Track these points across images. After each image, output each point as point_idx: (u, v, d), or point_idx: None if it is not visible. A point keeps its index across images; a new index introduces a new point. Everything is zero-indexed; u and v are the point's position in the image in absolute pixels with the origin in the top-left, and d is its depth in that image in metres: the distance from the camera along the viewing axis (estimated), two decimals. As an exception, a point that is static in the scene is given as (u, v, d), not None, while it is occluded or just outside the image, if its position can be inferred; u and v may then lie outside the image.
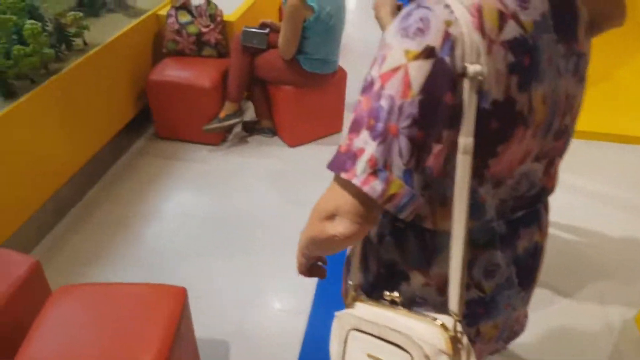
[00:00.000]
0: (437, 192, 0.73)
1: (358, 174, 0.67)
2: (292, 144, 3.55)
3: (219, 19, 3.39)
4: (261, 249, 2.52)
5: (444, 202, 0.73)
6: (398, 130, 0.65)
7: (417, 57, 0.64)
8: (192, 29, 3.30)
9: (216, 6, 3.40)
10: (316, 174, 3.19)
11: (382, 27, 1.30)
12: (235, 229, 2.78)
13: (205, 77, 3.30)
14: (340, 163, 0.70)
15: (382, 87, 0.66)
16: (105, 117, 3.03)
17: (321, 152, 3.27)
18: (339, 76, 3.19)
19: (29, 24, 2.49)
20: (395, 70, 0.65)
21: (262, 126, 3.68)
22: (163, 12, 3.51)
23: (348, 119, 3.61)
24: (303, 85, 3.01)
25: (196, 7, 3.38)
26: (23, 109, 2.35)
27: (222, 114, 3.36)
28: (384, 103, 0.65)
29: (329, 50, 2.95)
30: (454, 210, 0.70)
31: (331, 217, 0.72)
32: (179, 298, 1.81)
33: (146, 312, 1.76)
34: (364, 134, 0.67)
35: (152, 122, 3.50)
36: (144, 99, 3.34)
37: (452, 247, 0.71)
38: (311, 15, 2.67)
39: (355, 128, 0.69)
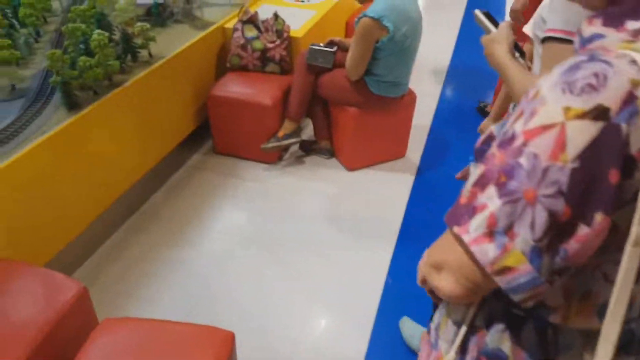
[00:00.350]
0: (577, 283, 0.63)
1: (471, 231, 0.60)
2: (350, 168, 3.37)
3: (285, 34, 3.28)
4: (312, 279, 2.34)
5: (586, 297, 0.63)
6: (536, 197, 0.55)
7: (581, 116, 0.54)
8: (258, 44, 3.21)
9: (284, 22, 3.30)
10: (373, 201, 3.01)
11: (494, 65, 1.16)
12: (287, 254, 2.64)
13: (267, 94, 3.19)
14: (455, 216, 0.63)
15: (524, 144, 0.57)
16: (166, 129, 2.99)
17: (380, 178, 3.09)
18: (408, 99, 2.99)
19: (96, 34, 2.47)
20: (546, 127, 0.55)
21: (320, 147, 3.52)
22: (229, 25, 3.45)
23: (413, 144, 3.41)
24: (368, 107, 2.84)
25: (263, 21, 3.29)
26: (85, 121, 2.32)
27: (280, 133, 3.24)
28: (524, 161, 0.56)
29: (400, 73, 2.75)
30: (610, 309, 0.57)
31: (438, 267, 0.66)
32: (227, 343, 1.67)
33: (192, 354, 1.63)
34: (491, 190, 0.59)
35: (211, 137, 3.43)
36: (204, 113, 3.28)
37: (599, 351, 0.58)
38: (385, 36, 2.49)
39: (481, 182, 0.61)
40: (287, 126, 3.27)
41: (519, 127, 0.59)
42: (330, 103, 3.05)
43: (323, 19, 3.80)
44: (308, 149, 3.57)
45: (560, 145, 0.54)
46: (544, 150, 0.55)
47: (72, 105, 2.31)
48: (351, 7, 4.36)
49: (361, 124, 2.94)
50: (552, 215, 0.55)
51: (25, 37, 2.81)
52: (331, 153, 3.53)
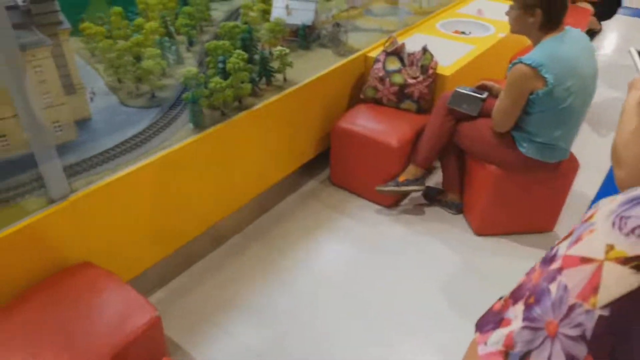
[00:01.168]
0: None
1: (488, 344, 0.62)
2: (479, 232, 2.93)
3: (430, 71, 2.99)
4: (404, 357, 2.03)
5: None
6: (557, 333, 0.54)
7: (623, 261, 0.51)
8: (397, 78, 2.98)
9: (432, 57, 3.01)
10: (500, 282, 2.52)
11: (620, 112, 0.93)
12: (379, 315, 2.36)
13: (395, 133, 2.94)
14: (483, 322, 0.66)
15: (560, 270, 0.56)
16: (287, 154, 2.94)
17: (514, 253, 2.65)
18: (567, 167, 2.50)
19: (235, 55, 2.50)
20: (585, 260, 0.54)
21: (447, 199, 3.15)
22: (373, 54, 3.28)
23: (566, 218, 2.80)
24: (513, 168, 2.42)
25: (409, 54, 3.05)
26: (206, 141, 2.35)
27: (401, 178, 2.95)
28: (554, 289, 0.56)
29: (558, 135, 2.29)
30: None
31: None
32: None
33: None
34: (519, 307, 0.61)
35: (329, 166, 3.30)
36: (327, 141, 3.15)
37: None
38: (542, 88, 2.07)
39: (516, 294, 0.63)
40: (411, 171, 2.97)
41: (563, 248, 0.58)
42: (468, 155, 2.67)
43: (481, 57, 3.41)
44: (432, 198, 3.22)
45: (593, 286, 0.51)
46: (575, 284, 0.53)
47: (198, 123, 2.36)
48: (519, 44, 3.86)
49: (502, 186, 2.52)
50: (569, 358, 0.53)
51: (176, 46, 3.00)
52: (459, 209, 3.13)
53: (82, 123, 2.36)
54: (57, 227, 1.82)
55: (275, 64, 2.83)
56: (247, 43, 2.89)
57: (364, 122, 3.06)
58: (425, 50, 3.06)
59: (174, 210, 2.33)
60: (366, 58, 3.33)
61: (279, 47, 2.79)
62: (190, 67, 2.47)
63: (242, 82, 2.52)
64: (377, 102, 3.19)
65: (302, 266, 2.70)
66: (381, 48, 3.21)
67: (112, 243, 2.07)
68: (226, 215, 2.67)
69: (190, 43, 3.29)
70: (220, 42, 2.65)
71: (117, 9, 3.42)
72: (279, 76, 2.87)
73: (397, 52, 3.09)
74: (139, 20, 3.13)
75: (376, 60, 3.13)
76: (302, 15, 3.40)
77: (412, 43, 3.33)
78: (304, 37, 3.32)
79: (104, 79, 2.77)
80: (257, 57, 2.78)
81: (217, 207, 2.58)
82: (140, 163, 2.06)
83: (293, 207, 3.13)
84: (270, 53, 2.84)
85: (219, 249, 2.77)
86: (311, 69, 3.07)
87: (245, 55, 2.63)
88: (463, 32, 3.74)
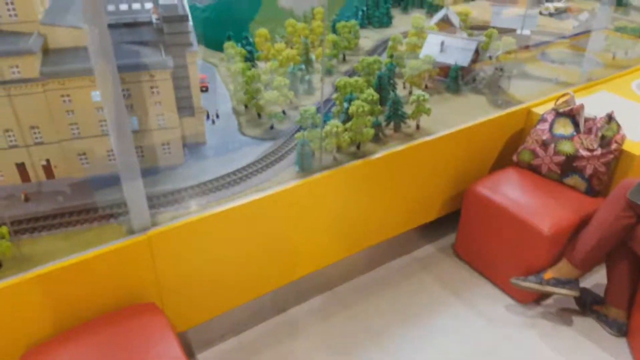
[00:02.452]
0: None
1: None
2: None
3: (614, 146, 2.34)
4: None
5: None
6: None
7: None
8: (567, 147, 2.40)
9: (618, 128, 2.36)
10: None
11: None
12: None
13: (550, 216, 2.35)
14: None
15: None
16: (403, 209, 2.59)
17: None
18: None
19: (364, 96, 2.24)
20: None
21: (607, 313, 2.43)
22: (539, 109, 2.72)
23: None
24: None
25: (587, 119, 2.44)
26: (310, 187, 2.12)
27: (548, 274, 2.35)
28: None
29: None
30: None
31: None
32: None
33: None
34: None
35: (455, 232, 2.82)
36: (458, 203, 2.69)
37: None
38: None
39: None
40: (563, 269, 2.34)
41: None
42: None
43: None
44: (587, 307, 2.52)
45: None
46: None
47: (305, 167, 2.15)
48: None
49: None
50: None
51: (310, 76, 2.86)
52: (622, 330, 2.39)
53: (194, 147, 2.33)
54: (131, 261, 1.74)
55: (409, 109, 2.48)
56: (384, 81, 2.61)
57: (511, 191, 2.51)
58: (610, 118, 2.40)
59: (261, 257, 2.14)
60: (529, 113, 2.78)
61: (418, 92, 2.44)
62: (313, 101, 2.29)
63: (365, 127, 2.23)
64: (534, 170, 2.61)
65: (385, 355, 2.28)
66: (551, 105, 2.63)
67: (187, 285, 1.95)
68: (316, 270, 2.40)
69: (329, 73, 3.13)
70: (352, 80, 2.41)
71: (263, 30, 3.46)
72: (412, 122, 2.52)
73: (571, 114, 2.48)
74: (280, 45, 3.07)
75: (542, 119, 2.56)
76: (458, 55, 2.99)
77: (594, 104, 2.67)
78: (455, 79, 2.91)
79: (232, 102, 2.74)
80: (391, 96, 2.47)
81: (308, 260, 2.33)
82: (229, 205, 1.91)
83: (399, 275, 2.72)
84: (410, 93, 2.51)
85: (300, 306, 2.49)
86: (455, 117, 2.65)
87: (376, 97, 2.36)
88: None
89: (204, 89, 3.18)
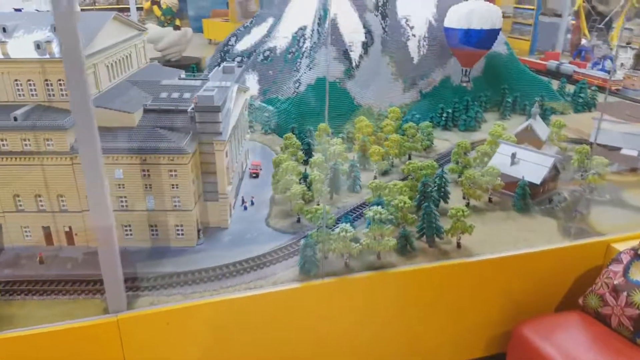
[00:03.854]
0: None
1: None
2: None
3: None
4: None
5: None
6: None
7: None
8: None
9: None
10: None
11: None
12: None
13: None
14: None
15: None
16: (431, 339, 2.28)
17: None
18: None
19: (396, 202, 2.11)
20: None
21: None
22: (619, 245, 2.30)
23: None
24: None
25: None
26: (312, 292, 2.00)
27: None
28: None
29: None
30: None
31: None
32: None
33: None
34: None
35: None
36: (500, 345, 2.31)
37: None
38: None
39: None
40: None
41: None
42: None
43: None
44: None
45: None
46: None
47: (306, 270, 2.03)
48: None
49: None
50: None
51: (356, 174, 2.81)
52: None
53: (215, 231, 2.38)
54: (99, 341, 1.75)
55: (445, 225, 2.26)
56: (429, 189, 2.44)
57: (567, 342, 2.05)
58: None
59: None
60: (608, 249, 2.34)
61: (458, 206, 2.22)
62: (357, 199, 2.20)
63: (384, 236, 2.07)
64: (602, 320, 2.13)
65: None
66: (636, 242, 2.19)
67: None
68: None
69: (386, 173, 3.05)
70: (390, 183, 2.30)
71: (323, 125, 3.53)
72: (453, 239, 2.28)
73: (655, 257, 2.02)
74: (336, 140, 3.10)
75: (616, 259, 2.13)
76: (531, 170, 2.69)
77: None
78: (522, 196, 2.61)
79: (274, 192, 2.76)
80: (423, 208, 2.28)
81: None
82: (208, 299, 1.86)
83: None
84: (467, 205, 2.30)
85: None
86: (512, 240, 2.34)
87: (408, 204, 2.20)
88: None
89: (254, 175, 3.30)
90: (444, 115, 4.17)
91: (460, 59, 4.32)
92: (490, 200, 2.75)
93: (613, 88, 5.62)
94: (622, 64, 6.51)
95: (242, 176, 3.06)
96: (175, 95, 2.30)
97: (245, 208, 2.62)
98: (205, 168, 2.27)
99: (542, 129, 3.22)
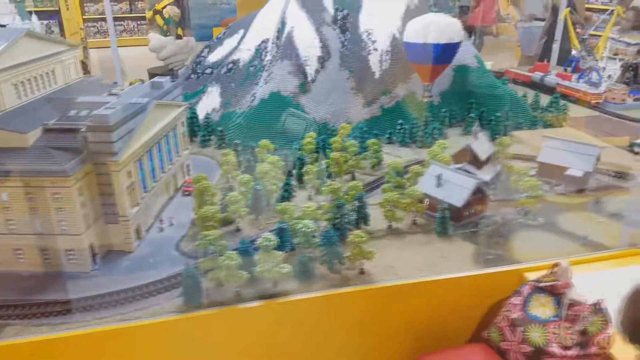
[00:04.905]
0: None
1: None
2: None
3: (594, 349, 1.73)
4: None
5: None
6: None
7: None
8: (536, 336, 1.88)
9: (605, 324, 1.75)
10: None
11: None
12: None
13: None
14: None
15: None
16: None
17: None
18: None
19: (299, 226, 2.07)
20: None
21: None
22: (532, 274, 2.20)
23: None
24: None
25: (575, 303, 1.88)
26: (194, 323, 1.95)
27: None
28: None
29: None
30: None
31: None
32: None
33: None
34: None
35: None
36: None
37: None
38: None
39: None
40: None
41: None
42: None
43: None
44: None
45: None
46: None
47: (187, 300, 1.98)
48: None
49: None
50: None
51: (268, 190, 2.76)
52: None
53: (116, 255, 2.35)
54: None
55: (350, 250, 2.20)
56: (344, 211, 2.39)
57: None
58: (598, 308, 1.78)
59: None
60: (522, 279, 2.24)
61: (356, 232, 2.16)
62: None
63: (276, 263, 2.02)
64: (502, 355, 2.03)
65: None
66: (538, 276, 2.09)
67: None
68: None
69: (317, 192, 2.98)
70: (305, 206, 2.27)
71: (264, 141, 3.49)
72: (356, 264, 2.21)
73: (554, 291, 1.92)
74: (273, 158, 3.05)
75: (517, 291, 2.03)
76: (454, 192, 2.61)
77: (613, 284, 2.05)
78: (442, 219, 2.52)
79: (194, 212, 2.72)
80: (326, 233, 2.22)
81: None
82: (68, 332, 1.82)
83: None
84: (389, 227, 2.23)
85: None
86: (422, 265, 2.28)
87: (312, 229, 2.15)
88: None
89: (186, 193, 3.27)
90: (402, 131, 4.09)
91: (420, 74, 4.24)
92: (415, 222, 2.68)
93: (593, 102, 5.46)
94: (609, 76, 6.33)
95: (174, 194, 3.03)
96: (84, 113, 2.27)
97: (162, 229, 2.59)
98: (103, 190, 2.25)
99: (483, 148, 3.12)
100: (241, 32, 5.13)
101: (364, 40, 4.41)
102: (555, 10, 7.12)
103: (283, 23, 4.32)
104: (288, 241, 2.21)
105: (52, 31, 7.63)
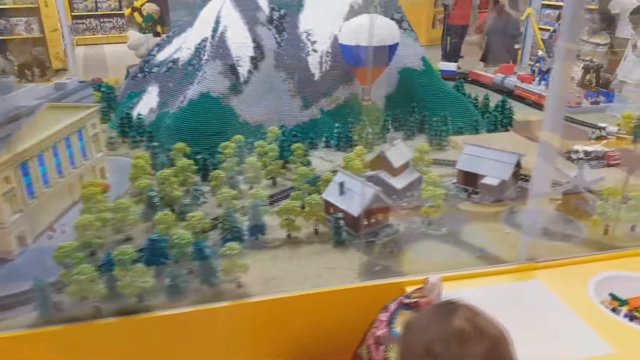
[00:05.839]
0: None
1: None
2: None
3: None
4: None
5: None
6: None
7: None
8: (394, 355, 1.80)
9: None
10: None
11: None
12: None
13: None
14: None
15: None
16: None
17: None
18: None
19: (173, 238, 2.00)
20: None
21: None
22: (411, 287, 2.15)
23: None
24: None
25: None
26: (40, 339, 1.86)
27: None
28: None
29: None
30: None
31: None
32: None
33: None
34: None
35: None
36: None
37: None
38: None
39: None
40: None
41: None
42: None
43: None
44: None
45: None
46: None
47: (41, 312, 1.91)
48: None
49: None
50: None
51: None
52: None
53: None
54: None
55: (219, 262, 2.14)
56: (231, 221, 2.33)
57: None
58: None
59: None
60: (403, 292, 2.18)
61: (229, 244, 2.10)
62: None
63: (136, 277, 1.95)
64: (370, 373, 1.98)
65: None
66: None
67: None
68: None
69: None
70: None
71: (180, 144, 3.43)
72: (231, 277, 2.15)
73: (418, 308, 1.87)
74: (187, 161, 2.99)
75: (385, 307, 1.98)
76: (353, 201, 2.55)
77: (491, 299, 1.99)
78: (337, 229, 2.47)
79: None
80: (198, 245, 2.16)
81: None
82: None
83: None
84: (288, 237, 2.18)
85: None
86: (309, 276, 2.22)
87: (187, 239, 2.09)
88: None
89: (106, 196, 3.21)
90: (338, 135, 4.04)
91: (357, 76, 4.18)
92: (316, 232, 2.62)
93: (548, 105, 5.41)
94: (572, 78, 6.28)
95: (80, 199, 2.96)
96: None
97: (51, 237, 2.53)
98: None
99: (398, 156, 3.06)
100: (189, 30, 5.06)
101: (303, 41, 4.35)
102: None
103: (217, 22, 4.25)
104: (161, 254, 2.15)
105: (32, 28, 7.61)
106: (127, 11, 10.60)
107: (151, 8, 9.91)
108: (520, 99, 5.69)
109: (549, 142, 2.29)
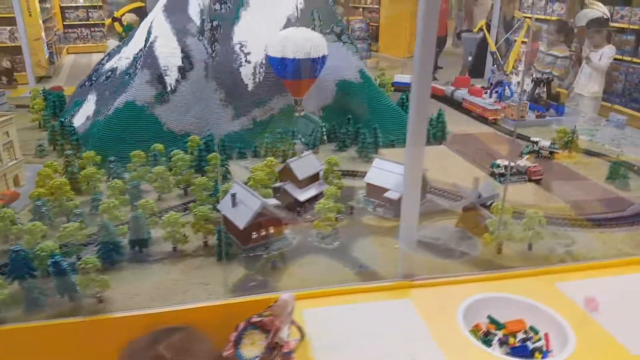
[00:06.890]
0: None
1: None
2: None
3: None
4: None
5: None
6: None
7: None
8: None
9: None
10: None
11: None
12: None
13: None
14: None
15: None
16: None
17: None
18: None
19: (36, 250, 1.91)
20: None
21: None
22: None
23: None
24: None
25: (277, 343, 1.75)
26: None
27: None
28: None
29: None
30: None
31: None
32: None
33: None
34: None
35: None
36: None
37: None
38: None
39: None
40: None
41: None
42: None
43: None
44: None
45: None
46: None
47: None
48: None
49: None
50: None
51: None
52: None
53: None
54: None
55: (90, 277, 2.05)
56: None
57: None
58: (283, 352, 1.65)
59: None
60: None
61: (86, 258, 2.01)
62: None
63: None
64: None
65: None
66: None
67: None
68: None
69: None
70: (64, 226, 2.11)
71: (89, 153, 3.36)
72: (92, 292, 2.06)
73: (265, 328, 1.79)
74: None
75: (236, 326, 1.89)
76: (241, 214, 2.47)
77: (353, 317, 1.93)
78: (219, 242, 2.39)
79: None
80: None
81: None
82: None
83: None
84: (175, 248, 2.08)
85: None
86: (177, 292, 2.13)
87: (46, 250, 2.00)
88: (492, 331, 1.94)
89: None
90: (265, 145, 3.97)
91: (287, 88, 4.12)
92: (205, 244, 2.54)
93: (491, 118, 5.40)
94: (525, 91, 6.25)
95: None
96: None
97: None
98: None
99: (304, 167, 2.99)
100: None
101: (237, 52, 4.29)
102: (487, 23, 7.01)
103: (149, 32, 4.18)
104: (25, 265, 2.05)
105: (15, 37, 7.55)
106: (107, 21, 10.58)
107: (131, 18, 9.92)
108: (468, 112, 5.67)
109: (414, 158, 2.24)
